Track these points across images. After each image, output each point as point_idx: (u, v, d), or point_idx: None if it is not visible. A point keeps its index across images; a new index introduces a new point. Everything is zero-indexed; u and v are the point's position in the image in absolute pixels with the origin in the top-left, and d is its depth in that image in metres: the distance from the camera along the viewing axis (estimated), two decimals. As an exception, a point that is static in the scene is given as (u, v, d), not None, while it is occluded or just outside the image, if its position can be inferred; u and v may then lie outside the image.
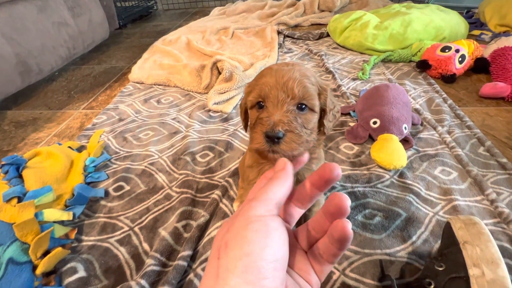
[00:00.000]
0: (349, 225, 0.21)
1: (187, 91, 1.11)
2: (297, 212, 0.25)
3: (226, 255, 0.19)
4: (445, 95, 0.94)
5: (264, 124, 0.31)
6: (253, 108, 0.35)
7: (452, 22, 1.29)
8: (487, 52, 1.08)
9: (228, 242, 0.19)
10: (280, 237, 0.20)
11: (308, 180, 0.23)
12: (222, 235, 0.21)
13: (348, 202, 0.21)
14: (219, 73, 1.08)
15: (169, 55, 1.39)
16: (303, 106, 0.33)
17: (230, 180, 0.65)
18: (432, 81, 1.03)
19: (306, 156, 0.27)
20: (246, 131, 0.40)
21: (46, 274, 0.49)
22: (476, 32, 1.45)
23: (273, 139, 0.30)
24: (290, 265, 0.24)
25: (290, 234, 0.24)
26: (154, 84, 1.17)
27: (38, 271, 0.47)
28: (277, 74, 0.33)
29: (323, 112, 0.37)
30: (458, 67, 1.02)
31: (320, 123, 0.38)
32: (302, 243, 0.25)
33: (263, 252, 0.18)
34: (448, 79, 1.02)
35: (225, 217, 0.58)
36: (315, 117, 0.35)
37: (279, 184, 0.22)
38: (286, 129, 0.31)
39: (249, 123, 0.39)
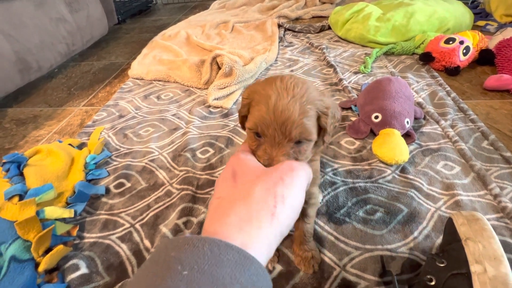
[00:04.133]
0: None
1: (187, 86, 1.10)
2: None
3: (284, 205, 0.24)
4: (448, 88, 0.92)
5: (262, 156, 0.33)
6: (251, 131, 0.34)
7: (456, 12, 1.26)
8: (492, 43, 1.06)
9: (285, 198, 0.25)
10: None
11: None
12: (274, 182, 0.25)
13: None
14: (219, 68, 1.06)
15: (169, 50, 1.38)
16: (300, 142, 0.33)
17: (231, 176, 0.65)
18: (436, 74, 1.01)
19: None
20: (244, 129, 0.40)
21: (49, 271, 0.49)
22: (481, 22, 1.42)
23: None
24: None
25: None
26: (154, 80, 1.17)
27: (41, 268, 0.48)
28: (275, 109, 0.31)
29: (322, 129, 0.36)
30: (462, 59, 1.00)
31: (319, 137, 0.36)
32: None
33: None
34: (452, 72, 1.00)
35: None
36: (311, 144, 0.34)
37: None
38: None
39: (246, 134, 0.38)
